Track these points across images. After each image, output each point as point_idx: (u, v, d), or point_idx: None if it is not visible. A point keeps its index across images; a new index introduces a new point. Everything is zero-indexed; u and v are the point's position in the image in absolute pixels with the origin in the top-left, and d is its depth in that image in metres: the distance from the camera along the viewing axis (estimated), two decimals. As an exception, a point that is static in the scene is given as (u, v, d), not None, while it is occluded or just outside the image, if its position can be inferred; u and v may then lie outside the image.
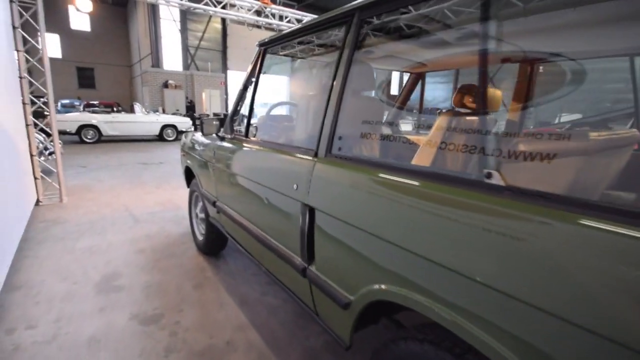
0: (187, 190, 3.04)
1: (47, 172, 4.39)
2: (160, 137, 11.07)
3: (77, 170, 6.11)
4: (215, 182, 2.20)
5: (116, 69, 20.86)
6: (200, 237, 2.84)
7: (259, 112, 2.21)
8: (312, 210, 1.28)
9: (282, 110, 3.03)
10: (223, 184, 2.11)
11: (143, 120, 10.45)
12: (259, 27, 18.38)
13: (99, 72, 20.47)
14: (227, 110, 16.90)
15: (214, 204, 2.25)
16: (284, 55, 2.61)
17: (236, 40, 17.63)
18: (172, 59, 16.14)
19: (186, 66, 16.55)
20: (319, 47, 2.57)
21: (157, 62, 15.49)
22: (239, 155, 1.91)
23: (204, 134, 2.13)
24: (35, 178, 3.90)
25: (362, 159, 1.15)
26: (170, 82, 14.73)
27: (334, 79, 1.28)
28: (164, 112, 12.99)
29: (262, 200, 1.66)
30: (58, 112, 13.14)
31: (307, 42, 2.36)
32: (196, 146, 2.60)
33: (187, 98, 15.22)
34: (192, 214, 3.02)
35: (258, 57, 1.92)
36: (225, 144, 2.09)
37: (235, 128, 2.12)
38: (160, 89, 14.77)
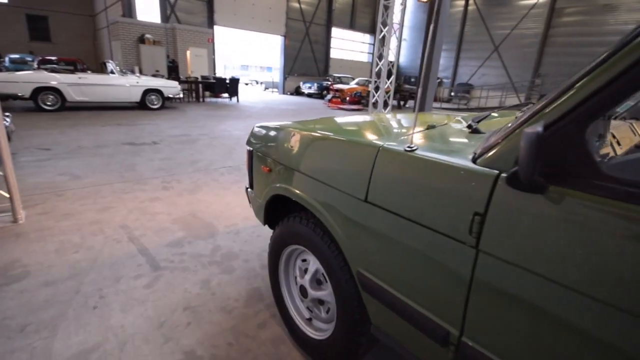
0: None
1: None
2: (141, 105, 9.07)
3: (37, 156, 4.35)
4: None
5: (76, 18, 17.64)
6: (313, 333, 1.43)
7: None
8: None
9: None
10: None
11: (120, 82, 8.37)
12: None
13: (55, 22, 17.22)
14: (215, 73, 14.67)
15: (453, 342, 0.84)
16: None
17: (223, -12, 15.03)
18: (147, 8, 13.50)
19: (165, 18, 13.97)
20: None
21: (128, 11, 12.84)
22: None
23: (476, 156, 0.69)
24: (-35, 189, 2.27)
25: None
26: (147, 36, 12.24)
27: None
28: (141, 73, 10.77)
29: None
30: (6, 69, 10.65)
31: None
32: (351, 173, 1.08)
33: (168, 57, 12.84)
34: (281, 280, 1.59)
35: None
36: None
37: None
38: (135, 44, 12.29)
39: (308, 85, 16.99)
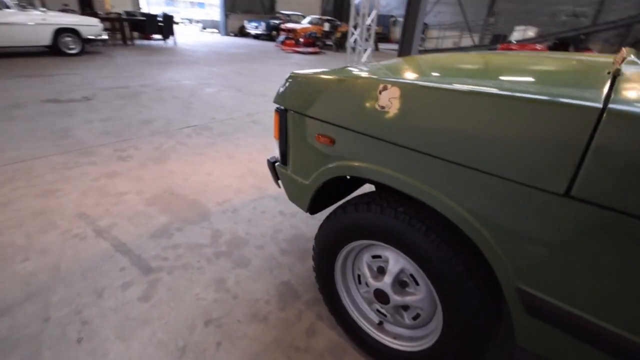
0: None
1: None
2: (54, 50, 7.33)
3: None
4: None
5: None
6: (394, 342, 1.16)
7: None
8: None
9: None
10: None
11: (20, 20, 6.55)
12: None
13: None
14: (139, 7, 12.37)
15: None
16: None
17: None
18: None
19: None
20: None
21: None
22: None
23: None
24: None
25: None
26: (42, -43, 9.61)
27: None
28: (44, 7, 8.58)
29: None
30: None
31: None
32: None
33: (76, -13, 10.37)
34: (337, 279, 1.27)
35: None
36: None
37: None
38: (28, -32, 9.62)
39: (254, 24, 15.22)
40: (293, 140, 1.22)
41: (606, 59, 1.47)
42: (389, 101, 0.88)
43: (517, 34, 13.00)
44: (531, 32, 12.66)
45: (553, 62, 1.32)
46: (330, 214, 1.19)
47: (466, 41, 15.97)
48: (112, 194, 2.26)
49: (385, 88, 0.88)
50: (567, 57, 1.46)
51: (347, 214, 1.11)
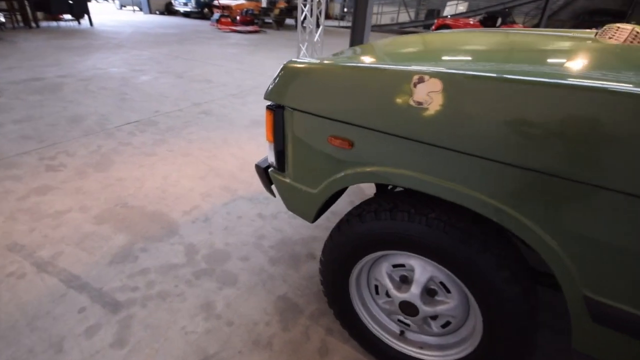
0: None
1: None
2: None
3: None
4: None
5: None
6: (421, 353, 1.08)
7: None
8: None
9: None
10: None
11: None
12: None
13: None
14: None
15: None
16: None
17: None
18: None
19: None
20: None
21: None
22: None
23: None
24: None
25: None
26: None
27: None
28: None
29: None
30: None
31: None
32: None
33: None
34: (353, 294, 1.15)
35: None
36: None
37: None
38: None
39: (183, 1, 13.85)
40: (293, 142, 1.03)
41: (588, 35, 1.48)
42: (428, 96, 0.74)
43: (449, 9, 13.56)
44: (462, 7, 13.28)
45: (572, 42, 1.26)
46: (342, 222, 1.05)
47: (403, 17, 16.27)
48: (48, 215, 1.86)
49: (421, 80, 0.74)
50: (571, 35, 1.43)
51: (365, 222, 0.98)
